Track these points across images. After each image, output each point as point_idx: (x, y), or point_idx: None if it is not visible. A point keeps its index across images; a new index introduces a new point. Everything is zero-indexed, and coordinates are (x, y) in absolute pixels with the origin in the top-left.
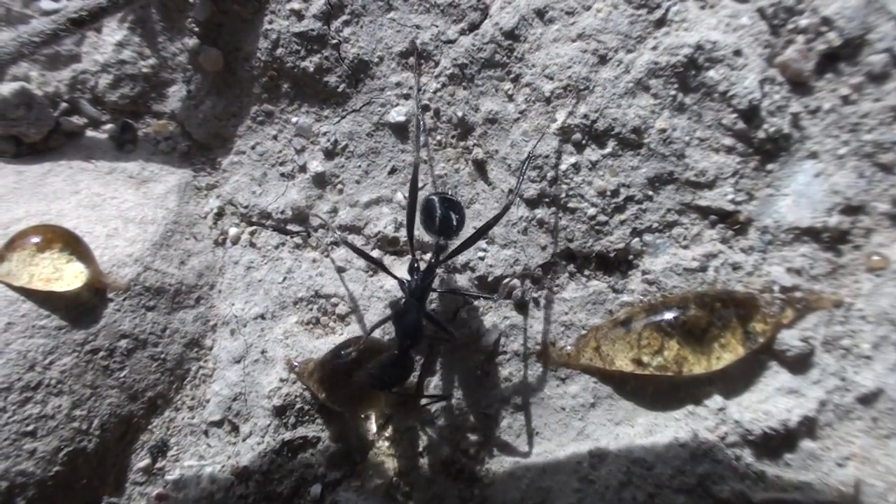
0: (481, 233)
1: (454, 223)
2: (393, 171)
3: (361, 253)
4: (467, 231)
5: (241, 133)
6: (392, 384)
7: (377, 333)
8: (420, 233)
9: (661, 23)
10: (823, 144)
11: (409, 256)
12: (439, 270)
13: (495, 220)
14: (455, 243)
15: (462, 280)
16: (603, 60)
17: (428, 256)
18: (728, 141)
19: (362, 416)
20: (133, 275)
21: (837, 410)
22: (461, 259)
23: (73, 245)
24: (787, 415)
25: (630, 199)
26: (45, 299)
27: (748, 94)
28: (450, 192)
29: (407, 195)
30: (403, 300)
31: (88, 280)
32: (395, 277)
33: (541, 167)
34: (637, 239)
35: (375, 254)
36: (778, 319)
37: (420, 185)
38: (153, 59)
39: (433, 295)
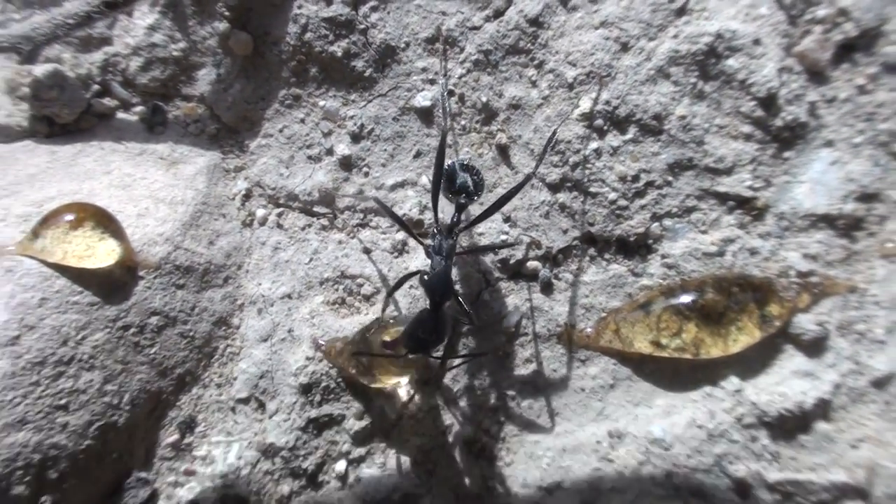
0: (501, 202)
1: (471, 184)
2: (418, 154)
3: (391, 213)
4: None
5: (269, 116)
6: (427, 344)
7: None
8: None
9: (681, 11)
10: (839, 133)
11: (433, 238)
12: (463, 250)
13: (515, 191)
14: (475, 211)
15: (485, 262)
16: (625, 48)
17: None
18: (746, 128)
19: (389, 388)
20: (164, 253)
21: (851, 393)
22: (483, 242)
23: (105, 223)
24: (802, 397)
25: (650, 184)
26: (79, 276)
27: (766, 83)
28: (467, 160)
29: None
30: (430, 263)
31: (120, 258)
32: (421, 243)
33: (563, 152)
34: (657, 223)
35: (399, 236)
36: (794, 304)
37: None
38: (184, 43)
39: (455, 278)
